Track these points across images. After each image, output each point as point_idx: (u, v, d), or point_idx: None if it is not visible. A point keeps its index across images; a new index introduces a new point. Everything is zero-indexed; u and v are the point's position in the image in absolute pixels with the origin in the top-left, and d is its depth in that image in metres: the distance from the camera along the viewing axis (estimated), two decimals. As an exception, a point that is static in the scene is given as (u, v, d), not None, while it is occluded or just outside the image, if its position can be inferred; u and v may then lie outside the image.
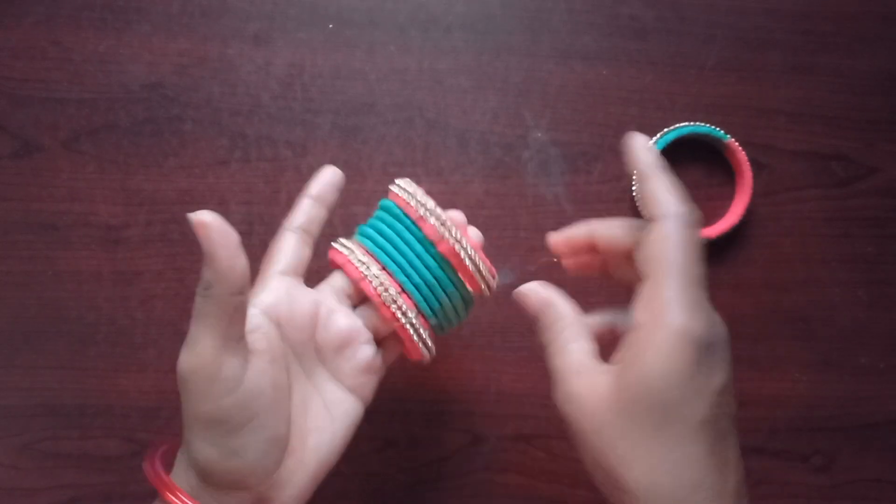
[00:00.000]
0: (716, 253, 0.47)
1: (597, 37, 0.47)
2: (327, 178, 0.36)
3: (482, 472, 0.46)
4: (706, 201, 0.48)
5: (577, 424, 0.28)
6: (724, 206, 0.47)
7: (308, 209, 0.35)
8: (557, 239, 0.33)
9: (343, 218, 0.46)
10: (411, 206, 0.34)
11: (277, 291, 0.33)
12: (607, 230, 0.31)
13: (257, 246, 0.46)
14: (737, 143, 0.46)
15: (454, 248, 0.33)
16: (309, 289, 0.34)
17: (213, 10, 0.46)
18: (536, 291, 0.31)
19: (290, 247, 0.35)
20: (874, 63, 0.48)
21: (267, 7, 0.46)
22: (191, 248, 0.46)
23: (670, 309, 0.26)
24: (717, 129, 0.46)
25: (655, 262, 0.27)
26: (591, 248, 0.32)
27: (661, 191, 0.28)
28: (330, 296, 0.35)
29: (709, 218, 0.47)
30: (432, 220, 0.33)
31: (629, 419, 0.26)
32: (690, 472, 0.26)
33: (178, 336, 0.45)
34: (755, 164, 0.47)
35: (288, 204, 0.46)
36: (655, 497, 0.26)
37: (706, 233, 0.46)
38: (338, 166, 0.46)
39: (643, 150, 0.30)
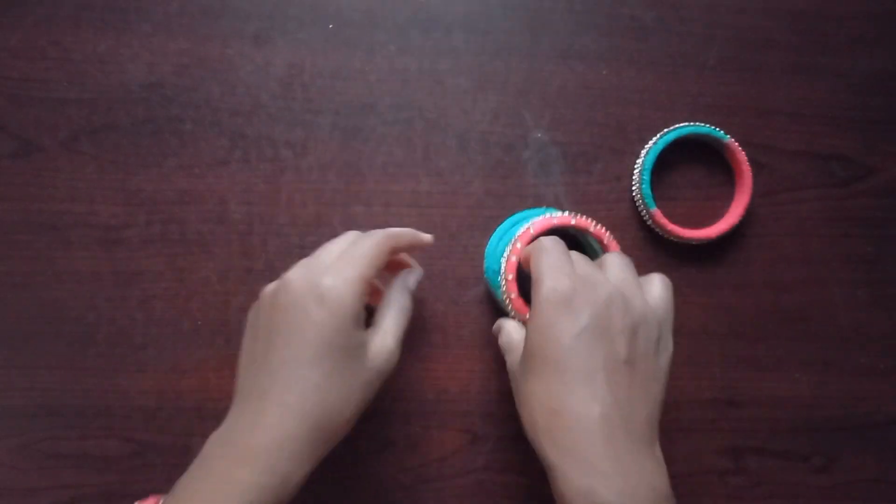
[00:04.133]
0: (716, 253, 0.47)
1: (597, 37, 0.47)
2: (425, 239, 0.40)
3: (482, 472, 0.46)
4: (706, 201, 0.48)
5: (512, 374, 0.36)
6: (724, 206, 0.47)
7: (406, 234, 0.39)
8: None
9: (343, 218, 0.46)
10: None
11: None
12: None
13: (257, 246, 0.46)
14: (736, 144, 0.46)
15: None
16: None
17: (213, 10, 0.46)
18: (498, 324, 0.40)
19: (381, 253, 0.37)
20: (874, 63, 0.48)
21: (267, 7, 0.46)
22: (191, 249, 0.46)
23: (539, 279, 0.33)
24: (717, 129, 0.46)
25: (530, 255, 0.35)
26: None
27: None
28: None
29: (709, 218, 0.47)
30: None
31: (522, 365, 0.34)
32: (552, 400, 0.31)
33: (178, 336, 0.46)
34: (755, 164, 0.47)
35: (288, 204, 0.47)
36: (531, 423, 0.32)
37: (706, 233, 0.46)
38: (338, 167, 0.47)
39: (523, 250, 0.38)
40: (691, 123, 0.46)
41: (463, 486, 0.46)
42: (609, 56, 0.47)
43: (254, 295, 0.46)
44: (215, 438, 0.33)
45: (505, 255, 0.39)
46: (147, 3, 0.46)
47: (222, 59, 0.46)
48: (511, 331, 0.38)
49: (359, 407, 0.34)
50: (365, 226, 0.46)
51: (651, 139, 0.47)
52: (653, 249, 0.47)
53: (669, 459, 0.46)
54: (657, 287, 0.35)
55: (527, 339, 0.33)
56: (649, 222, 0.46)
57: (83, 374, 0.45)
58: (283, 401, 0.32)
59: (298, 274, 0.34)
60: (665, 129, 0.46)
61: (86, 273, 0.45)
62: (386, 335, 0.36)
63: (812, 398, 0.47)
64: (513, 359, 0.36)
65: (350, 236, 0.38)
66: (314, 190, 0.46)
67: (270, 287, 0.36)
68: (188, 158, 0.46)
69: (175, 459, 0.45)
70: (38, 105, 0.46)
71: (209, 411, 0.45)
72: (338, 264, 0.34)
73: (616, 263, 0.35)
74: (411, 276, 0.40)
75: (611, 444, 0.30)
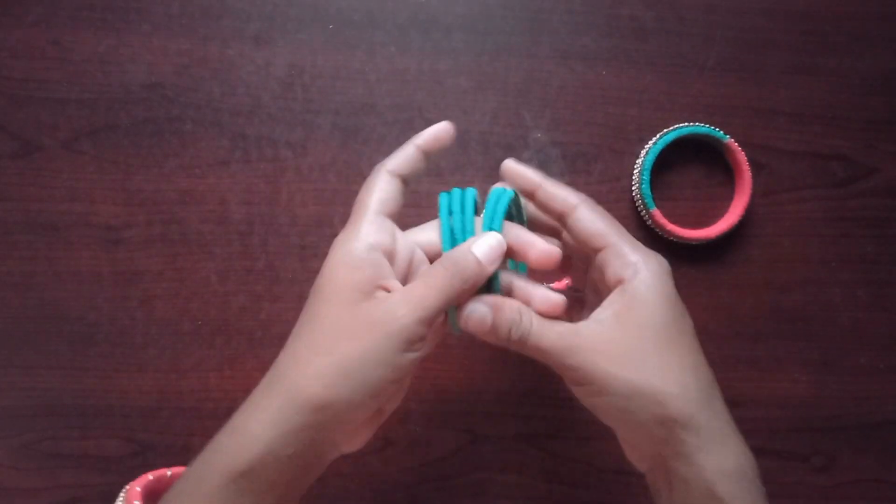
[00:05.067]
0: (716, 253, 0.47)
1: (597, 37, 0.47)
2: (435, 130, 0.34)
3: (482, 472, 0.46)
4: (706, 201, 0.48)
5: (597, 372, 0.30)
6: (724, 206, 0.47)
7: (408, 154, 0.34)
8: (512, 167, 0.34)
9: (343, 218, 0.46)
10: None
11: (382, 231, 0.32)
12: (550, 193, 0.33)
13: (257, 246, 0.46)
14: (736, 144, 0.46)
15: None
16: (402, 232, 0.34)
17: (213, 11, 0.46)
18: (475, 312, 0.31)
19: (384, 187, 0.33)
20: (874, 63, 0.48)
21: (267, 7, 0.46)
22: (191, 249, 0.46)
23: (646, 258, 0.32)
24: (717, 129, 0.46)
25: (601, 236, 0.32)
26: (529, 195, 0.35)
27: (557, 190, 0.33)
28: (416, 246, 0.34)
29: (709, 218, 0.47)
30: None
31: (649, 341, 0.30)
32: (705, 371, 0.31)
33: (178, 336, 0.46)
34: (755, 164, 0.47)
35: (288, 204, 0.47)
36: (690, 394, 0.30)
37: (706, 233, 0.46)
38: (338, 167, 0.47)
39: (521, 168, 0.34)
40: (691, 123, 0.46)
41: (463, 486, 0.46)
42: (609, 56, 0.47)
43: (254, 295, 0.46)
44: None
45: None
46: (147, 3, 0.46)
47: (223, 60, 0.46)
48: (551, 326, 0.31)
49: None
50: (365, 226, 0.46)
51: (651, 139, 0.47)
52: (652, 249, 0.47)
53: (669, 459, 0.47)
54: None
55: (652, 310, 0.31)
56: (649, 222, 0.46)
57: (83, 374, 0.45)
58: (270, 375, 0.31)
59: None
60: (665, 129, 0.46)
61: (86, 273, 0.45)
62: (399, 303, 0.30)
63: (812, 398, 0.47)
64: (586, 344, 0.30)
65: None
66: (314, 190, 0.46)
67: None
68: (188, 158, 0.46)
69: (175, 459, 0.45)
70: (38, 105, 0.46)
71: (209, 411, 0.45)
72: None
73: None
74: (481, 240, 0.32)
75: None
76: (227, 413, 0.46)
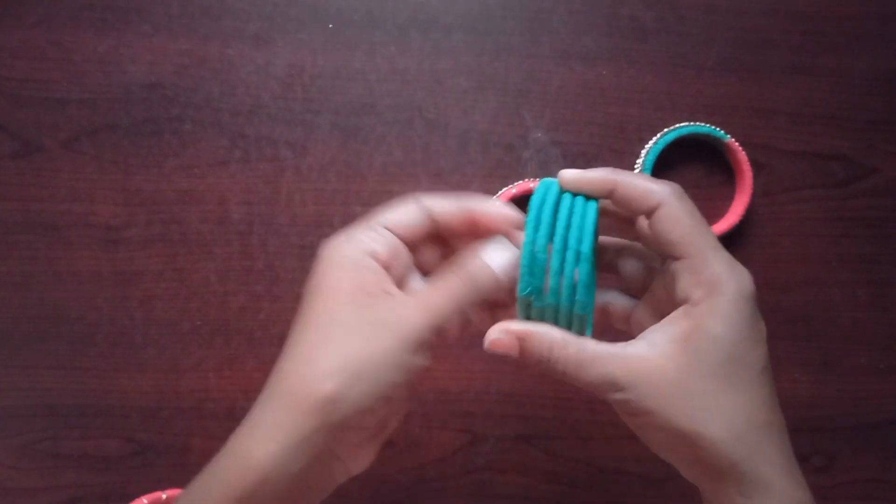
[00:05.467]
0: (716, 253, 0.47)
1: (597, 37, 0.47)
2: (496, 214, 0.32)
3: (482, 472, 0.46)
4: (706, 201, 0.48)
5: (641, 406, 0.28)
6: (724, 206, 0.47)
7: (450, 207, 0.31)
8: (575, 176, 0.31)
9: (343, 218, 0.46)
10: None
11: (379, 242, 0.31)
12: (628, 193, 0.30)
13: (257, 246, 0.46)
14: (737, 143, 0.46)
15: None
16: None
17: (213, 11, 0.46)
18: (503, 334, 0.30)
19: (405, 209, 0.31)
20: (874, 63, 0.48)
21: (267, 7, 0.46)
22: (191, 249, 0.46)
23: (723, 279, 0.28)
24: (717, 129, 0.46)
25: (684, 243, 0.29)
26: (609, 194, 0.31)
27: (639, 181, 0.30)
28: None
29: (709, 218, 0.47)
30: None
31: (703, 379, 0.28)
32: (761, 412, 0.28)
33: (178, 336, 0.46)
34: (755, 164, 0.47)
35: (288, 204, 0.47)
36: (735, 441, 0.27)
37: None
38: (337, 166, 0.47)
39: (588, 174, 0.30)
40: (691, 123, 0.46)
41: (463, 486, 0.46)
42: (609, 56, 0.47)
43: (253, 295, 0.46)
44: None
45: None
46: (147, 4, 0.46)
47: (222, 60, 0.46)
48: (595, 352, 0.29)
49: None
50: (365, 226, 0.46)
51: (651, 139, 0.47)
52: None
53: (669, 459, 0.47)
54: None
55: (715, 342, 0.28)
56: (649, 222, 0.46)
57: (83, 374, 0.45)
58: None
59: None
60: (665, 129, 0.46)
61: (86, 273, 0.45)
62: (408, 304, 0.29)
63: (812, 398, 0.47)
64: (636, 371, 0.28)
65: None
66: (314, 190, 0.46)
67: None
68: (188, 158, 0.46)
69: (175, 459, 0.45)
70: (38, 105, 0.46)
71: (209, 411, 0.45)
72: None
73: None
74: (496, 252, 0.31)
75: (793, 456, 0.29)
76: (227, 413, 0.46)
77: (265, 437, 0.28)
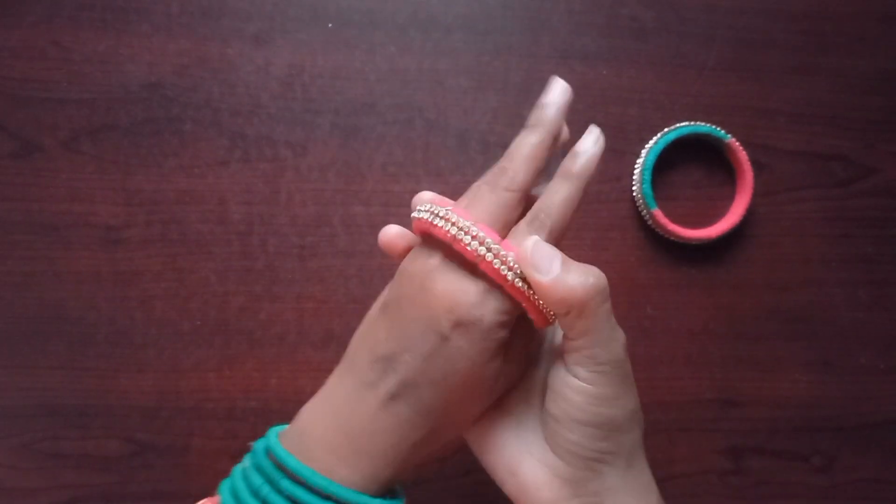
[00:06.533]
0: (716, 253, 0.47)
1: (597, 37, 0.47)
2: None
3: (482, 472, 0.46)
4: (706, 201, 0.48)
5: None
6: (725, 206, 0.47)
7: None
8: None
9: (343, 218, 0.46)
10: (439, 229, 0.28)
11: None
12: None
13: (257, 246, 0.46)
14: (737, 143, 0.46)
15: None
16: None
17: (213, 11, 0.46)
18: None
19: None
20: (874, 63, 0.48)
21: (267, 7, 0.46)
22: (190, 249, 0.46)
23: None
24: (718, 128, 0.46)
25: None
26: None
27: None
28: None
29: (709, 218, 0.47)
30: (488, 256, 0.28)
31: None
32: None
33: (177, 336, 0.45)
34: (755, 164, 0.47)
35: (288, 204, 0.47)
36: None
37: (706, 233, 0.46)
38: (338, 167, 0.47)
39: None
40: (692, 123, 0.46)
41: (463, 486, 0.46)
42: (609, 56, 0.47)
43: (253, 295, 0.46)
44: None
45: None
46: (147, 3, 0.46)
47: (222, 60, 0.46)
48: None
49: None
50: (365, 226, 0.46)
51: (651, 139, 0.47)
52: (653, 249, 0.47)
53: (670, 459, 0.47)
54: None
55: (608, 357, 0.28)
56: (649, 222, 0.46)
57: (83, 374, 0.45)
58: None
59: None
60: (665, 129, 0.46)
61: (86, 273, 0.45)
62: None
63: (812, 398, 0.47)
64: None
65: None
66: (314, 190, 0.46)
67: None
68: (188, 158, 0.46)
69: (175, 459, 0.45)
70: (38, 105, 0.46)
71: (209, 411, 0.45)
72: None
73: None
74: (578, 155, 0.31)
75: None
76: (227, 413, 0.46)
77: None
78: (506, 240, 0.28)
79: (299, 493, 0.27)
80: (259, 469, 0.29)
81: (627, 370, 0.29)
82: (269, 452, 0.29)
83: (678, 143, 0.46)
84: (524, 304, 0.28)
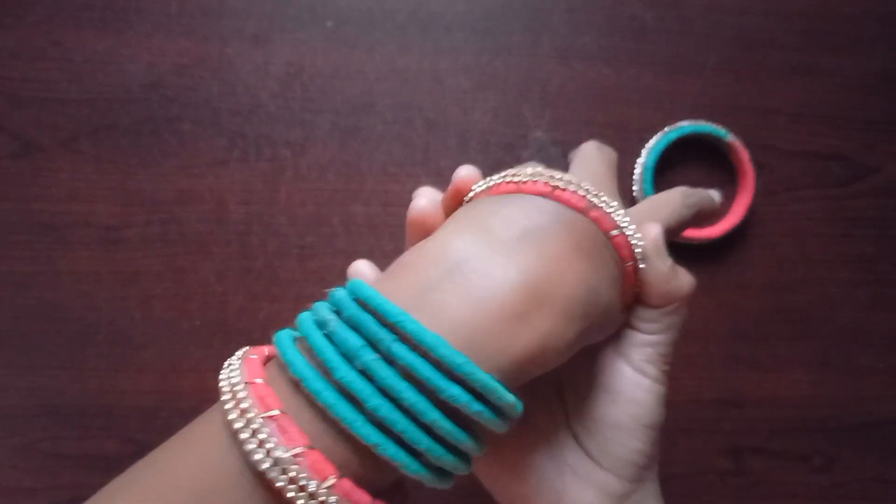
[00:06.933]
0: (716, 253, 0.47)
1: (597, 37, 0.47)
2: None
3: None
4: (706, 201, 0.47)
5: None
6: (725, 205, 0.47)
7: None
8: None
9: (342, 218, 0.46)
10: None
11: None
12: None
13: (256, 246, 0.46)
14: (739, 143, 0.46)
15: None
16: None
17: (212, 10, 0.46)
18: None
19: None
20: (874, 63, 0.48)
21: (266, 7, 0.46)
22: (190, 249, 0.46)
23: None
24: (719, 127, 0.46)
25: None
26: None
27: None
28: None
29: (709, 218, 0.47)
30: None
31: None
32: None
33: (177, 336, 0.45)
34: (755, 163, 0.47)
35: (287, 203, 0.47)
36: None
37: (707, 233, 0.46)
38: (337, 166, 0.47)
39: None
40: (692, 122, 0.46)
41: (462, 486, 0.46)
42: (609, 56, 0.47)
43: (252, 295, 0.46)
44: None
45: None
46: (147, 3, 0.46)
47: (222, 59, 0.46)
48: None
49: None
50: (365, 226, 0.46)
51: (651, 139, 0.47)
52: (653, 249, 0.47)
53: (670, 460, 0.47)
54: None
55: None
56: (649, 222, 0.46)
57: (83, 374, 0.45)
58: None
59: None
60: (665, 129, 0.46)
61: (85, 273, 0.45)
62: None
63: (812, 398, 0.47)
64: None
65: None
66: (313, 189, 0.46)
67: None
68: (187, 158, 0.46)
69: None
70: (38, 105, 0.46)
71: (209, 411, 0.45)
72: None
73: None
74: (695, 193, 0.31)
75: None
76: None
77: None
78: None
79: (420, 366, 0.19)
80: (356, 326, 0.20)
81: None
82: (366, 307, 0.21)
83: (678, 143, 0.46)
84: (631, 290, 0.26)
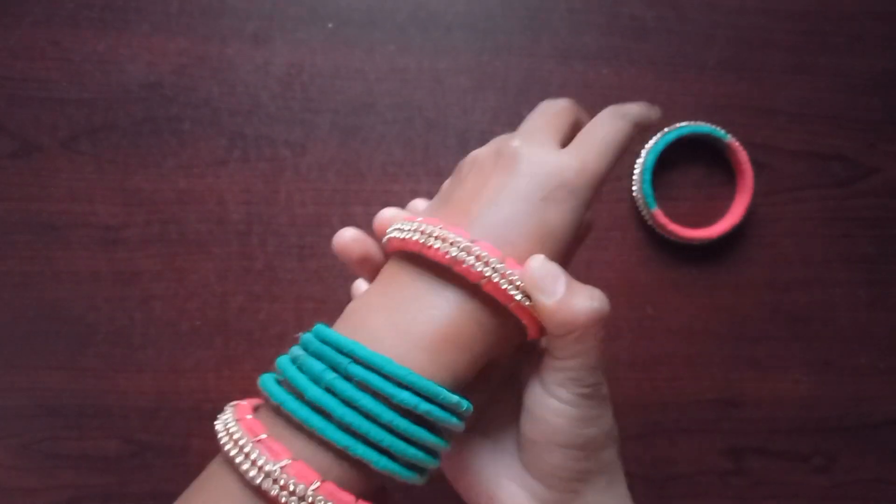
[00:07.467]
0: (716, 253, 0.47)
1: (597, 37, 0.47)
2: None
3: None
4: (706, 201, 0.47)
5: None
6: (725, 206, 0.47)
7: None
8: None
9: (342, 217, 0.46)
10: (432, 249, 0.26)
11: None
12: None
13: (256, 246, 0.46)
14: (738, 143, 0.46)
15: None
16: None
17: (212, 10, 0.46)
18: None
19: None
20: (874, 63, 0.48)
21: (266, 7, 0.46)
22: (189, 249, 0.46)
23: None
24: (718, 128, 0.46)
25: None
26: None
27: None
28: None
29: (709, 218, 0.47)
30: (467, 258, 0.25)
31: None
32: None
33: (177, 336, 0.45)
34: (755, 163, 0.47)
35: (287, 203, 0.47)
36: None
37: (706, 233, 0.46)
38: (337, 166, 0.47)
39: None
40: (692, 123, 0.46)
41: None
42: (609, 56, 0.47)
43: (252, 295, 0.46)
44: None
45: None
46: (147, 3, 0.46)
47: (222, 59, 0.46)
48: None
49: None
50: (364, 226, 0.46)
51: (651, 139, 0.47)
52: (653, 249, 0.47)
53: (670, 460, 0.47)
54: None
55: None
56: (649, 222, 0.46)
57: (83, 374, 0.45)
58: None
59: None
60: (665, 129, 0.46)
61: (85, 273, 0.45)
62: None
63: (812, 398, 0.47)
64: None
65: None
66: (313, 189, 0.46)
67: None
68: (187, 158, 0.46)
69: (174, 460, 0.45)
70: (38, 105, 0.46)
71: (208, 412, 0.45)
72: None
73: None
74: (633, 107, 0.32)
75: None
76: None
77: None
78: (508, 258, 0.26)
79: (373, 379, 0.24)
80: (319, 356, 0.25)
81: (606, 390, 0.28)
82: (325, 342, 0.25)
83: (678, 143, 0.46)
84: (527, 323, 0.27)
